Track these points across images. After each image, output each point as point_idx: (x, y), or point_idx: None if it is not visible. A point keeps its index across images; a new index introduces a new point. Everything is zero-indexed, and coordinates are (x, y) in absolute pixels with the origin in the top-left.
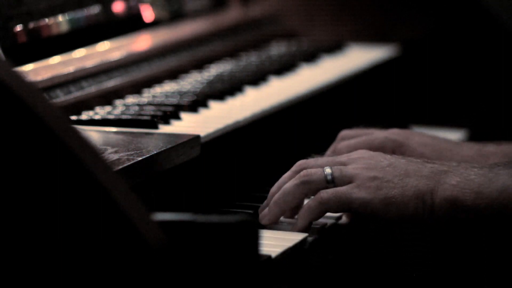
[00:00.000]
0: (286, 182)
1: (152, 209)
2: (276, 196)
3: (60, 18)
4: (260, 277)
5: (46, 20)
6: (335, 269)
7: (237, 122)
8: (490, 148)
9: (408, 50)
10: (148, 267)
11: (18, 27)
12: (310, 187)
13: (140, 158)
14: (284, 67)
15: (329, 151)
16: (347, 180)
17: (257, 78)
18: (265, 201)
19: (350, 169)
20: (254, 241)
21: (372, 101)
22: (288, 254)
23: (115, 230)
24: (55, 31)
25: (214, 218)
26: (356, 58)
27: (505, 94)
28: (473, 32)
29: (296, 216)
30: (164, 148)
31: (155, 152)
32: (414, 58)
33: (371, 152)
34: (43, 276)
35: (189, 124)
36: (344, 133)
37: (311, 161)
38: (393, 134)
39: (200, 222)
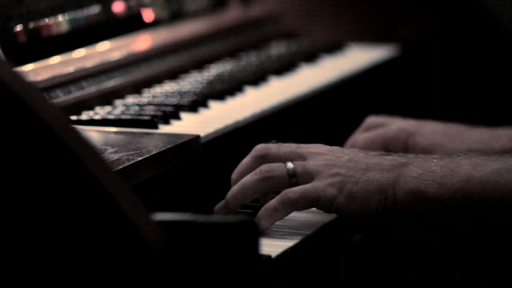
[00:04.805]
0: (246, 169)
1: (152, 209)
2: (235, 190)
3: (60, 18)
4: (260, 277)
5: (46, 20)
6: (335, 269)
7: (237, 122)
8: (501, 132)
9: (408, 50)
10: (148, 267)
11: (18, 27)
12: (272, 182)
13: (140, 158)
14: (284, 67)
15: (350, 141)
16: (309, 177)
17: (257, 78)
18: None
19: (312, 166)
20: (254, 241)
21: (372, 101)
22: (288, 254)
23: (115, 230)
24: (55, 31)
25: (214, 218)
26: (356, 58)
27: (505, 94)
28: (473, 33)
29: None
30: (164, 148)
31: (155, 152)
32: (414, 58)
33: (329, 147)
34: (42, 276)
35: (189, 124)
36: (370, 119)
37: (272, 147)
38: (406, 124)
39: (200, 222)
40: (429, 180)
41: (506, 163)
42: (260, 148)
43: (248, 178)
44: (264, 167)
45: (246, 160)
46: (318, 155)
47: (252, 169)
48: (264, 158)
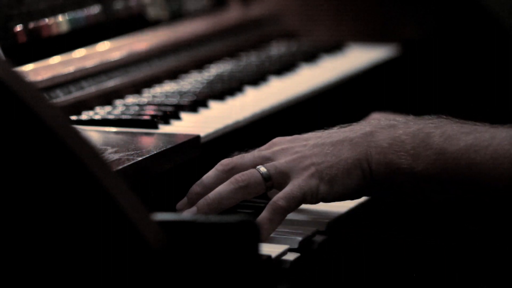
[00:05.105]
0: (212, 182)
1: (152, 209)
2: (210, 199)
3: (60, 18)
4: (260, 277)
5: (46, 20)
6: (335, 269)
7: (237, 122)
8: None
9: (408, 50)
10: (148, 267)
11: (18, 27)
12: (250, 190)
13: (140, 158)
14: (284, 67)
15: None
16: (283, 176)
17: (257, 78)
18: (186, 198)
19: (283, 164)
20: (254, 241)
21: (372, 101)
22: (288, 254)
23: (115, 230)
24: (55, 31)
25: (214, 218)
26: (356, 58)
27: (505, 94)
28: (473, 33)
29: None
30: (164, 148)
31: (155, 152)
32: (414, 58)
33: (287, 138)
34: (42, 276)
35: (189, 124)
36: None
37: (236, 158)
38: None
39: (200, 222)
40: (401, 151)
41: (481, 139)
42: (225, 162)
43: (224, 188)
44: (239, 176)
45: (211, 174)
46: (282, 151)
47: (219, 183)
48: (231, 172)
